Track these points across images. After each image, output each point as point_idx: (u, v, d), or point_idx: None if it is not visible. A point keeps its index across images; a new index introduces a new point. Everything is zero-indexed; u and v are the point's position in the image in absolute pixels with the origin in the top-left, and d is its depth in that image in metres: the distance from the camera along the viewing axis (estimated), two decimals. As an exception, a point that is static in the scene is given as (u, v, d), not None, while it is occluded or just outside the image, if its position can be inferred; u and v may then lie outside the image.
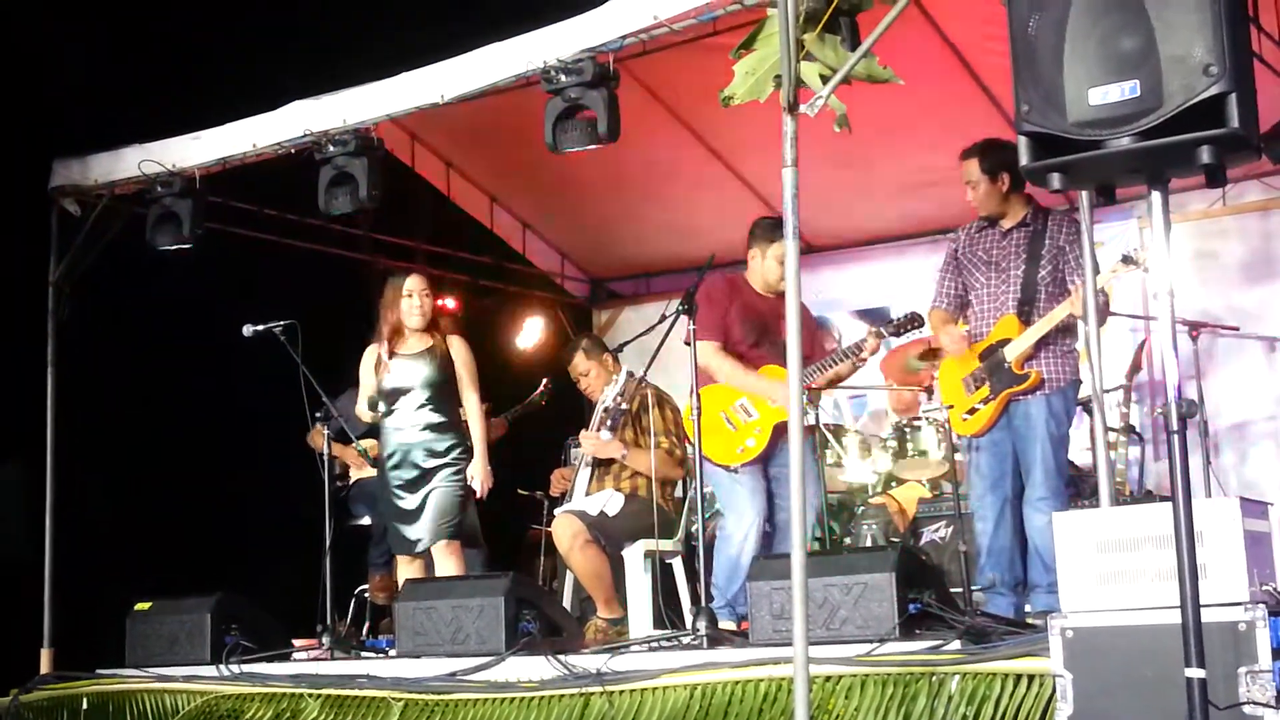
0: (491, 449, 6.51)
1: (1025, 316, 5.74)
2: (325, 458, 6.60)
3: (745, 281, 6.25)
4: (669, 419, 6.65)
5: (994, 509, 5.74)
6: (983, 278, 5.89)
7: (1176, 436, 3.33)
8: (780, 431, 5.92)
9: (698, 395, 5.61)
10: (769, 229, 6.21)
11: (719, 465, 6.02)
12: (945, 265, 6.07)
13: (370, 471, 7.53)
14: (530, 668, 5.24)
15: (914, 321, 6.21)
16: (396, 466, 6.40)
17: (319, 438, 6.78)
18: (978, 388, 5.79)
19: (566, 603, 6.75)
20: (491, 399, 7.15)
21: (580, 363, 6.89)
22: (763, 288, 6.23)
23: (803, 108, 4.02)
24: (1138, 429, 7.61)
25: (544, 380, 8.29)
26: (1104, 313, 5.57)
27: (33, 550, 7.27)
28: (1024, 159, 3.46)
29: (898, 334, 6.23)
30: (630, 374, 6.59)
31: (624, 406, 6.50)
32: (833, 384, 6.36)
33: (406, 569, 6.44)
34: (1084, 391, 5.98)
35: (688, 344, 5.82)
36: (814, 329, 6.45)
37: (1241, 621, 3.59)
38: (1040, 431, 5.66)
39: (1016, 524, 5.74)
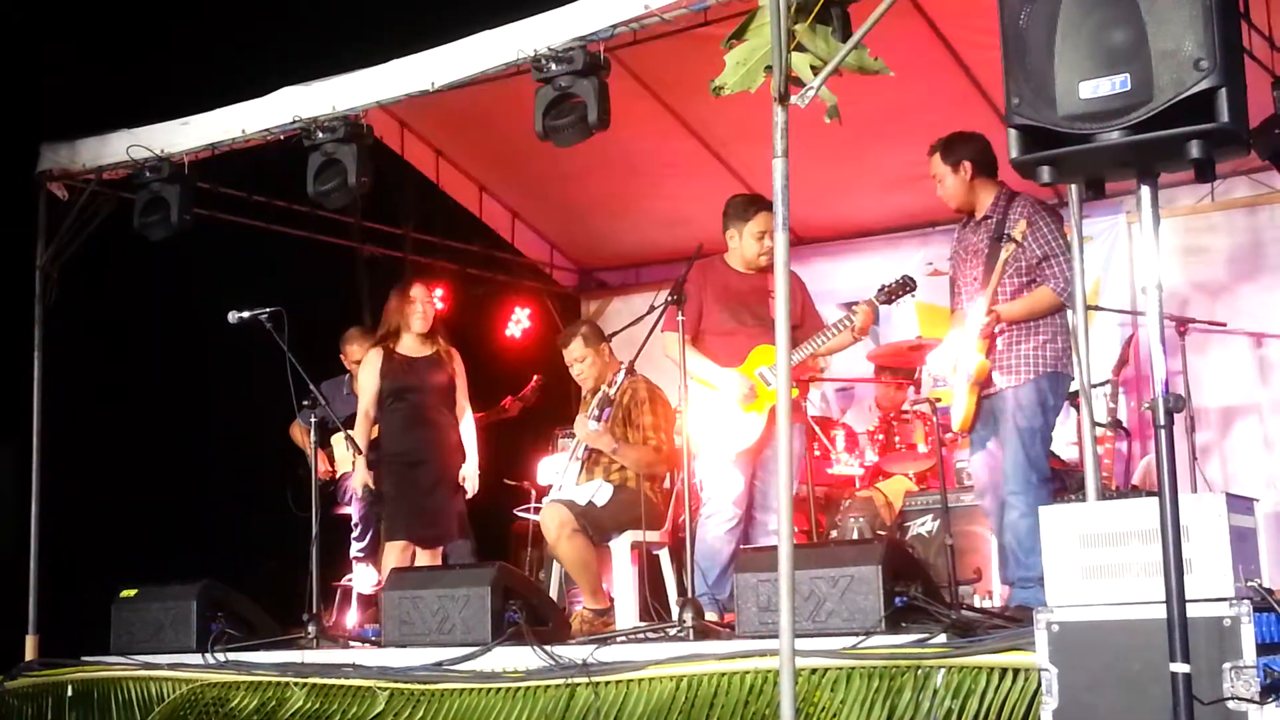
0: (480, 437, 6.71)
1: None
2: (312, 449, 6.59)
3: (724, 263, 6.22)
4: (660, 414, 6.60)
5: (994, 508, 5.67)
6: (963, 270, 5.85)
7: (1164, 431, 3.33)
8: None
9: (686, 386, 5.59)
10: (742, 207, 6.20)
11: (721, 453, 5.97)
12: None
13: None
14: (516, 658, 5.23)
15: (905, 286, 6.12)
16: None
17: (298, 432, 6.78)
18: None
19: (553, 592, 6.74)
20: (479, 385, 7.21)
21: (577, 349, 6.83)
22: (744, 266, 6.20)
23: (793, 98, 4.02)
24: (1124, 424, 7.62)
25: (534, 377, 8.29)
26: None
27: (18, 536, 7.24)
28: (1014, 152, 3.47)
29: (889, 301, 6.15)
30: (629, 369, 6.56)
31: (621, 401, 6.50)
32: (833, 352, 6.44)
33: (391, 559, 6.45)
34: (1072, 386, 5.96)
35: (664, 331, 5.93)
36: (805, 299, 6.22)
37: (1227, 617, 3.60)
38: (1009, 426, 5.52)
39: None
